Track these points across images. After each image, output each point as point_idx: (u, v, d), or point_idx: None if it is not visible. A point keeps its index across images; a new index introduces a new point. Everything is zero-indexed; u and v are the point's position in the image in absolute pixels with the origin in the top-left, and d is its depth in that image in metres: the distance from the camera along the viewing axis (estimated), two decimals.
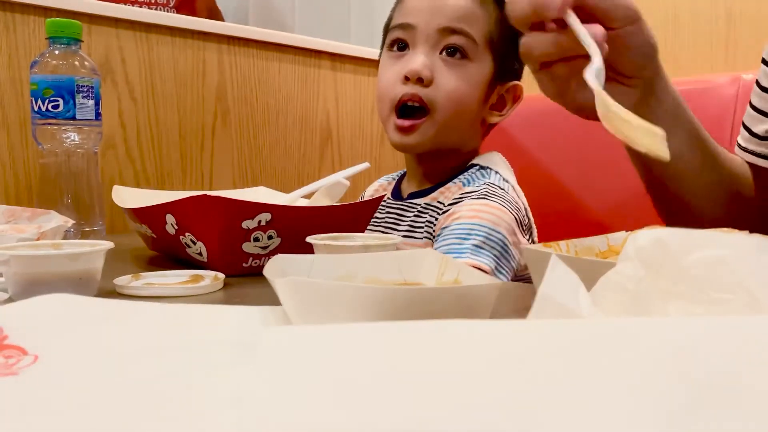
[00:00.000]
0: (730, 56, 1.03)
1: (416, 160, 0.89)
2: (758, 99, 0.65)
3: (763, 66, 0.65)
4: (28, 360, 0.27)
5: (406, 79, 0.80)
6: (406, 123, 0.81)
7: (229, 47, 1.19)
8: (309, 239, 0.49)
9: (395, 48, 0.85)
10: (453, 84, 0.81)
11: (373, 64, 1.38)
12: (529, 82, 1.32)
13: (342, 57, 1.34)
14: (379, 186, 0.99)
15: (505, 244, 0.77)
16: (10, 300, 0.43)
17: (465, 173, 0.84)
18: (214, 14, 1.66)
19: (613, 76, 0.53)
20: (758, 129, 0.65)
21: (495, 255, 0.75)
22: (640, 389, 0.16)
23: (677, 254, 0.25)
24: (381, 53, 0.90)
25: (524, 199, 0.84)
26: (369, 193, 0.99)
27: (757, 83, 0.66)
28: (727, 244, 0.24)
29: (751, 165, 0.66)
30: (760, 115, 0.65)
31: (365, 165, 0.73)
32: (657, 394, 0.16)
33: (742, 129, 0.67)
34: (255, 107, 1.23)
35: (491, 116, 0.88)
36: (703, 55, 1.06)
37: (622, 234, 0.43)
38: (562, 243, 0.44)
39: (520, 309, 0.42)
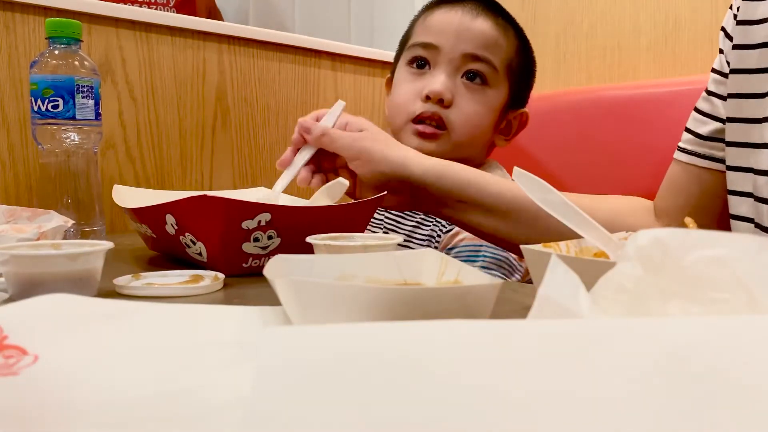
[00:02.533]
0: None
1: None
2: (704, 103, 0.69)
3: (711, 74, 0.70)
4: (28, 360, 0.27)
5: (427, 98, 0.81)
6: (428, 129, 0.82)
7: (229, 47, 1.19)
8: (309, 239, 0.49)
9: (415, 65, 0.86)
10: (472, 108, 0.83)
11: (374, 64, 1.38)
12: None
13: (342, 57, 1.34)
14: None
15: (510, 261, 0.78)
16: (10, 300, 0.43)
17: None
18: (214, 14, 1.66)
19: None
20: (703, 130, 0.69)
21: (504, 274, 0.76)
22: (639, 390, 0.16)
23: (677, 254, 0.25)
24: (396, 64, 0.91)
25: None
26: None
27: (706, 90, 0.70)
28: (727, 244, 0.24)
29: (692, 170, 0.70)
30: (705, 118, 0.69)
31: (341, 104, 0.73)
32: (657, 394, 0.16)
33: (684, 133, 0.72)
34: (255, 107, 1.23)
35: (499, 140, 0.91)
36: (703, 55, 1.06)
37: (621, 234, 0.43)
38: (562, 243, 0.44)
39: (520, 309, 0.42)
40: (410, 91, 0.84)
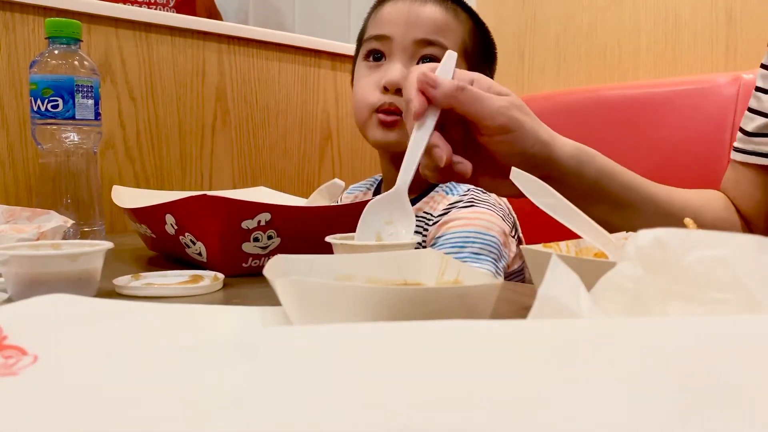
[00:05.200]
0: (730, 56, 1.03)
1: (395, 170, 0.89)
2: (753, 100, 0.68)
3: (760, 69, 0.68)
4: (28, 360, 0.27)
5: (385, 89, 0.81)
6: (390, 118, 0.82)
7: (229, 47, 1.19)
8: (328, 239, 0.48)
9: (371, 58, 0.86)
10: None
11: None
12: (528, 83, 1.32)
13: (342, 57, 1.34)
14: (354, 198, 0.99)
15: (499, 246, 0.78)
16: (10, 300, 0.43)
17: None
18: (214, 14, 1.66)
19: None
20: (749, 126, 0.68)
21: (493, 259, 0.76)
22: (639, 389, 0.16)
23: (677, 254, 0.25)
24: (355, 62, 0.91)
25: (505, 198, 0.85)
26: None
27: (756, 87, 0.69)
28: (727, 244, 0.24)
29: (741, 168, 0.69)
30: (752, 114, 0.68)
31: (452, 55, 0.55)
32: (657, 393, 0.16)
33: (738, 133, 0.70)
34: (255, 107, 1.23)
35: None
36: (703, 55, 1.06)
37: (621, 234, 0.43)
38: (562, 243, 0.44)
39: (520, 309, 0.42)
40: (369, 84, 0.84)
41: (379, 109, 0.83)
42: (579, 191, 0.55)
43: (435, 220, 0.82)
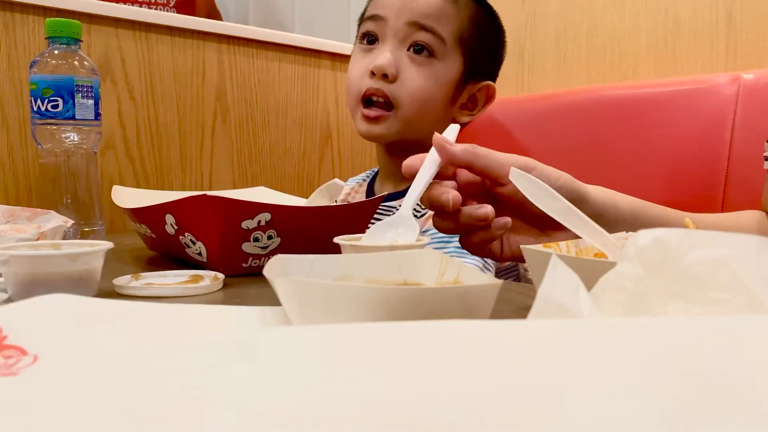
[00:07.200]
0: (730, 56, 1.03)
1: (389, 157, 0.89)
2: None
3: None
4: (28, 360, 0.27)
5: (372, 74, 0.81)
6: (372, 113, 0.82)
7: (228, 47, 1.19)
8: (336, 240, 0.48)
9: (365, 41, 0.86)
10: (418, 82, 0.82)
11: None
12: (528, 83, 1.32)
13: (342, 57, 1.34)
14: (351, 189, 0.98)
15: None
16: (9, 300, 0.43)
17: None
18: (214, 14, 1.66)
19: (545, 229, 0.52)
20: None
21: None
22: (639, 389, 0.16)
23: (677, 254, 0.25)
24: (354, 44, 0.91)
25: None
26: (341, 198, 0.97)
27: None
28: (727, 244, 0.24)
29: None
30: None
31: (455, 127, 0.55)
32: (657, 394, 0.16)
33: (765, 143, 0.70)
34: (255, 107, 1.23)
35: (461, 116, 0.89)
36: (703, 55, 1.06)
37: (622, 234, 0.43)
38: (562, 243, 0.44)
39: (520, 309, 0.42)
40: (359, 68, 0.84)
41: (365, 95, 0.82)
42: (618, 225, 0.53)
43: (423, 212, 0.82)
